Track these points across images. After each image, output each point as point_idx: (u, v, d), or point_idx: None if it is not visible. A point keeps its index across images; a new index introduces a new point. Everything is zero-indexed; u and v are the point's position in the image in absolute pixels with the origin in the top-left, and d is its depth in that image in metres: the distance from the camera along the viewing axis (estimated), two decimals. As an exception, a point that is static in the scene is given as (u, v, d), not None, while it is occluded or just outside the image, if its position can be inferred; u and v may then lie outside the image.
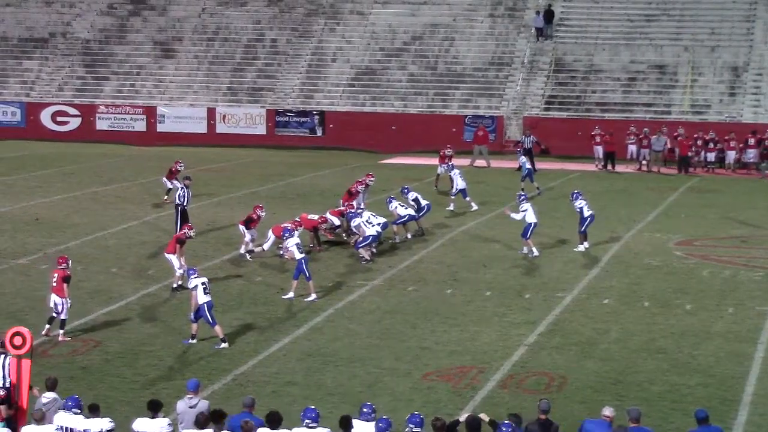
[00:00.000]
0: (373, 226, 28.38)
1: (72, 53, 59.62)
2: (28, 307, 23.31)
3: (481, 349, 20.89)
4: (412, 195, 31.77)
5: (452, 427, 13.80)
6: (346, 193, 31.58)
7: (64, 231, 31.61)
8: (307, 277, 24.44)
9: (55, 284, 21.46)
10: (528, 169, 39.89)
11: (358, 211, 29.50)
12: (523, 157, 40.78)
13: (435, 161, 40.74)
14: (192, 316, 21.10)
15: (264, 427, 13.77)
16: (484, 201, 36.79)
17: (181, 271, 24.57)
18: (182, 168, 36.73)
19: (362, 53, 57.39)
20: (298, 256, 24.50)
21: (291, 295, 24.40)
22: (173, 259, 25.07)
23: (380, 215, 29.59)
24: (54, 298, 21.35)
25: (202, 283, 21.04)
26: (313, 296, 24.34)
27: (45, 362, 19.17)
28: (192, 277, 21.32)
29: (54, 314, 21.41)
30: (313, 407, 13.98)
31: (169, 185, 36.00)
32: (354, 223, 28.90)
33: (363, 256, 28.05)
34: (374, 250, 28.63)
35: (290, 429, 13.77)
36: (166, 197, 36.09)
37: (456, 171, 36.19)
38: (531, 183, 39.53)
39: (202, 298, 20.90)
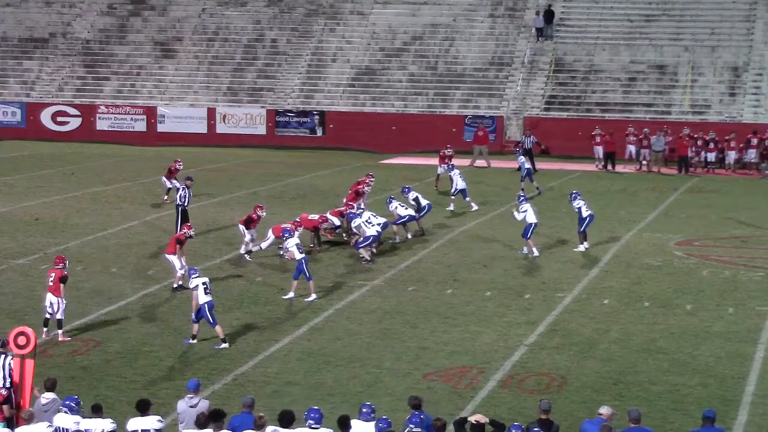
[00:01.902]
0: (373, 226, 28.37)
1: (72, 53, 59.63)
2: (28, 307, 23.29)
3: (481, 349, 20.89)
4: (412, 195, 31.78)
5: (460, 424, 13.82)
6: (352, 194, 31.42)
7: (64, 231, 31.60)
8: (307, 277, 24.45)
9: (51, 284, 21.44)
10: (527, 169, 39.85)
11: (358, 211, 29.49)
12: (522, 157, 40.78)
13: (435, 161, 40.77)
14: (193, 316, 21.10)
15: (269, 426, 13.80)
16: (484, 201, 36.82)
17: (182, 271, 24.57)
18: (181, 167, 36.75)
19: (362, 53, 57.40)
20: (298, 256, 24.50)
21: (291, 295, 24.41)
22: (174, 259, 25.08)
23: (380, 215, 29.59)
24: (50, 298, 21.34)
25: (203, 283, 21.02)
26: (314, 296, 24.35)
27: (45, 362, 19.15)
28: (193, 277, 21.33)
29: (48, 315, 21.38)
30: (316, 408, 14.00)
31: (169, 185, 36.03)
32: (354, 223, 28.87)
33: (363, 257, 28.05)
34: (374, 250, 28.62)
35: (293, 429, 13.76)
36: (166, 197, 36.12)
37: (456, 171, 36.18)
38: (531, 183, 39.51)
39: (203, 298, 20.89)
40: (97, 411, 14.16)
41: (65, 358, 20.14)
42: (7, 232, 31.23)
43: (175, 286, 24.94)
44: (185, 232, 25.85)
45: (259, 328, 22.21)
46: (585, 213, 29.50)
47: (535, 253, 28.84)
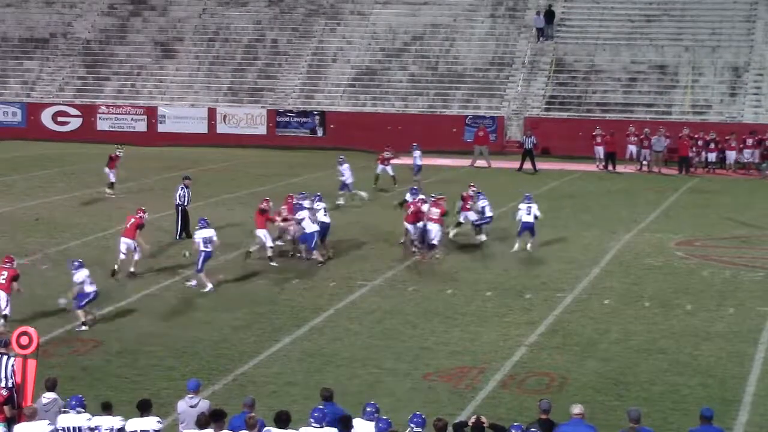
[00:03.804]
0: (315, 223, 27.82)
1: (73, 53, 59.65)
2: (29, 307, 23.30)
3: (481, 349, 20.89)
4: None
5: (459, 427, 13.82)
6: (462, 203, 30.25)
7: (64, 231, 31.60)
8: (198, 269, 25.11)
9: (3, 281, 21.86)
10: (418, 166, 40.46)
11: (305, 202, 28.64)
12: (417, 151, 41.07)
13: (436, 162, 40.88)
14: (78, 303, 22.09)
15: (265, 426, 13.78)
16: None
17: (138, 256, 25.95)
18: (121, 154, 37.77)
19: (363, 53, 57.41)
20: (202, 248, 25.07)
21: (210, 286, 25.03)
22: (134, 244, 26.04)
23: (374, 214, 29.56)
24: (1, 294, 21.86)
25: (87, 276, 22.21)
26: (210, 286, 24.99)
27: (45, 362, 19.12)
28: (77, 269, 22.33)
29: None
30: (321, 407, 14.00)
31: (112, 177, 37.01)
32: (300, 215, 27.94)
33: (316, 258, 27.73)
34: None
35: (296, 429, 13.76)
36: (107, 188, 36.99)
37: (346, 165, 36.83)
38: (415, 177, 39.91)
39: (88, 288, 22.09)
40: (107, 409, 14.17)
41: (65, 358, 20.15)
42: (7, 232, 31.22)
43: (132, 270, 26.06)
44: (142, 216, 26.58)
45: (259, 328, 22.21)
46: (488, 213, 30.15)
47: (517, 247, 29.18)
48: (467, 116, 52.97)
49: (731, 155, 47.33)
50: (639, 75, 54.22)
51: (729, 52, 54.13)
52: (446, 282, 26.12)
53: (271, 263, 27.29)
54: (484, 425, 13.78)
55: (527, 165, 46.36)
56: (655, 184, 43.11)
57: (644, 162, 47.61)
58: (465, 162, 47.90)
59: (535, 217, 29.43)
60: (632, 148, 48.05)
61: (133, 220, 26.37)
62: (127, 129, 55.50)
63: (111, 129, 55.58)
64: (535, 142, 47.05)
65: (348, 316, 23.16)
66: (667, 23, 56.27)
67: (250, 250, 27.97)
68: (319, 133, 54.11)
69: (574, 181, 43.00)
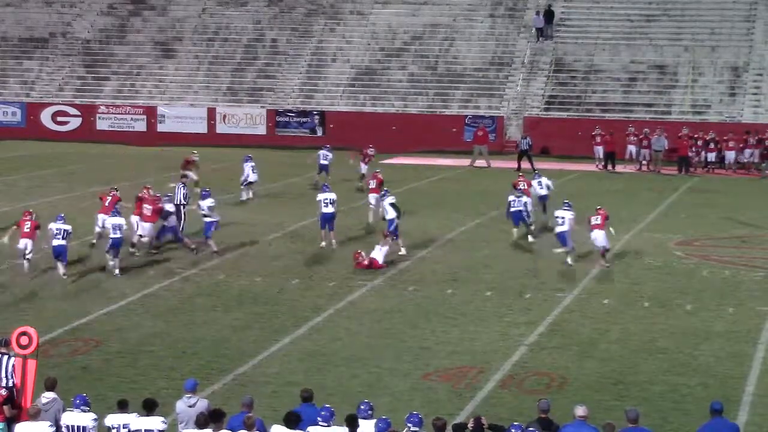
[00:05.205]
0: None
1: (72, 53, 59.67)
2: (30, 306, 23.31)
3: (481, 349, 20.89)
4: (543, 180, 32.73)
5: (459, 428, 13.82)
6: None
7: (65, 231, 31.53)
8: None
9: (27, 230, 25.68)
10: (325, 164, 40.21)
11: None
12: (323, 152, 40.72)
13: (435, 161, 40.80)
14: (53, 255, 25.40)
15: (264, 426, 13.79)
16: (484, 201, 36.80)
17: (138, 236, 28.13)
18: (197, 158, 39.12)
19: (362, 53, 57.43)
20: (111, 235, 26.38)
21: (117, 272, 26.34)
22: (135, 221, 28.14)
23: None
24: None
25: (65, 230, 25.40)
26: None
27: (45, 362, 19.12)
28: (59, 221, 25.57)
29: None
30: (328, 405, 14.00)
31: (194, 176, 37.39)
32: (207, 202, 28.72)
33: (212, 247, 28.39)
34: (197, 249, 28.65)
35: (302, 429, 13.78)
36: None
37: (250, 164, 37.15)
38: (326, 176, 39.51)
39: (57, 242, 25.29)
40: (123, 407, 14.13)
41: (65, 358, 20.14)
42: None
43: (131, 250, 27.81)
44: (115, 194, 29.00)
45: (259, 328, 22.22)
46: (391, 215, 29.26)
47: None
48: (467, 116, 53.00)
49: (731, 155, 47.36)
50: (638, 75, 54.26)
51: (728, 52, 54.16)
52: (446, 282, 26.12)
53: (132, 250, 28.39)
54: (484, 425, 13.78)
55: (527, 165, 46.34)
56: (654, 184, 43.12)
57: (643, 162, 47.64)
58: (464, 162, 47.92)
59: (548, 188, 30.16)
60: (632, 148, 48.09)
61: (110, 198, 28.52)
62: (127, 129, 55.56)
63: (110, 129, 55.66)
64: (530, 143, 47.14)
65: (348, 316, 23.16)
66: (667, 23, 56.30)
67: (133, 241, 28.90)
68: (319, 132, 54.13)
69: (574, 181, 43.01)
